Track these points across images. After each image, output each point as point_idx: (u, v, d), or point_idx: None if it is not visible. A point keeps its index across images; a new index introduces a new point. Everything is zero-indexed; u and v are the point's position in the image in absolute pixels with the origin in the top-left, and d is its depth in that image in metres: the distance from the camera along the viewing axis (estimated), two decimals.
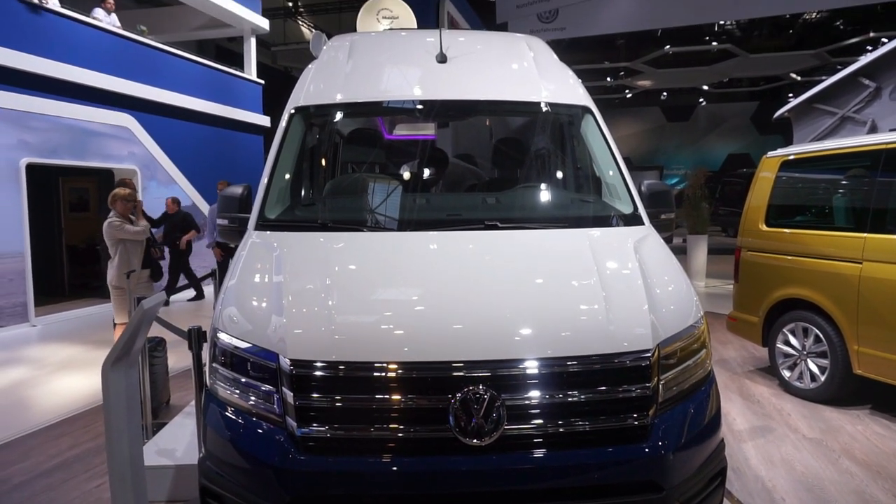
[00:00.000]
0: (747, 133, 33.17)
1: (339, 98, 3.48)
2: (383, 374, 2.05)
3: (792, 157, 5.24)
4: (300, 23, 20.97)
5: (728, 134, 33.96)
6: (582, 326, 2.19)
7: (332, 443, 2.05)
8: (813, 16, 22.14)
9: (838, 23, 22.54)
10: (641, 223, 3.01)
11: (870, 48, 21.81)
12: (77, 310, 9.55)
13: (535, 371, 2.07)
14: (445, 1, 13.86)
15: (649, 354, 2.14)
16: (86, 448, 4.22)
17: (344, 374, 2.07)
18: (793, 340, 5.05)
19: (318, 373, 2.08)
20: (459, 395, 2.01)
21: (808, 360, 4.92)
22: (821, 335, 4.76)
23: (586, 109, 3.54)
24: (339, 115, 3.62)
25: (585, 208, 3.23)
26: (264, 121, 14.16)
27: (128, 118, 10.37)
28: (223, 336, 2.30)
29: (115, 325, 5.65)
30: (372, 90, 3.52)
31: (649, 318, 2.23)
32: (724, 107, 34.77)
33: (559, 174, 3.69)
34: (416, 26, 8.62)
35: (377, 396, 2.05)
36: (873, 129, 4.76)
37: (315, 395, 2.07)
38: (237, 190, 3.20)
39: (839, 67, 24.58)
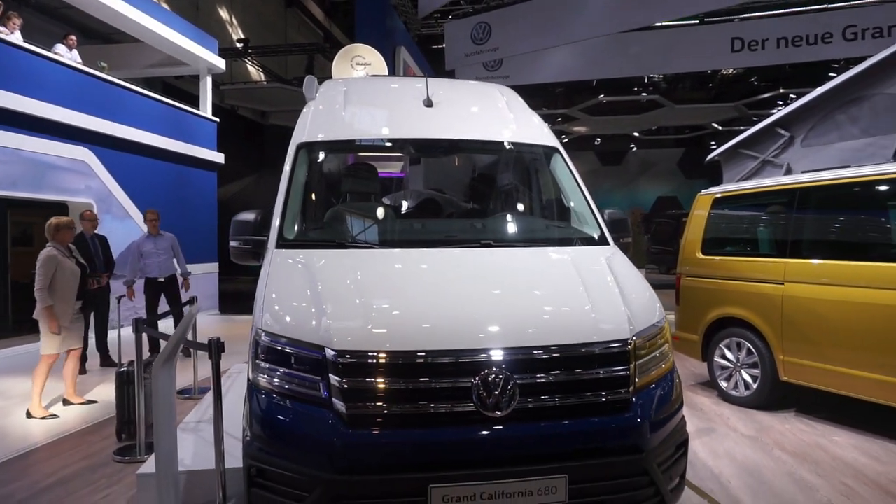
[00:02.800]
0: (675, 177, 35.35)
1: (339, 136, 3.96)
2: (415, 360, 2.48)
3: (721, 195, 6.02)
4: (248, 63, 21.35)
5: (657, 178, 36.08)
6: (576, 320, 2.70)
7: (374, 419, 2.43)
8: (730, 72, 24.29)
9: (753, 79, 24.79)
10: (607, 244, 3.57)
11: (780, 102, 24.13)
12: (24, 345, 9.32)
13: (541, 356, 2.55)
14: (401, 49, 14.62)
15: (628, 343, 2.66)
16: (80, 467, 4.33)
17: (383, 361, 2.48)
18: (728, 354, 5.73)
19: (359, 360, 2.48)
20: (480, 376, 2.45)
21: (742, 371, 5.59)
22: (752, 348, 5.45)
23: (555, 149, 4.13)
24: (339, 151, 4.09)
25: (561, 231, 3.78)
26: (218, 157, 14.32)
27: (85, 152, 10.38)
28: (267, 336, 2.66)
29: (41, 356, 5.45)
30: (369, 129, 4.02)
31: (626, 315, 2.76)
32: (653, 152, 37.00)
33: (536, 203, 4.24)
34: (387, 73, 9.24)
35: (411, 379, 2.47)
36: (788, 171, 5.59)
37: (358, 380, 2.46)
38: (251, 215, 3.58)
39: (755, 119, 26.83)
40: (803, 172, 5.31)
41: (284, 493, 2.48)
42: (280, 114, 23.42)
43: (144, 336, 4.66)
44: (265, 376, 2.63)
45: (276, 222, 3.46)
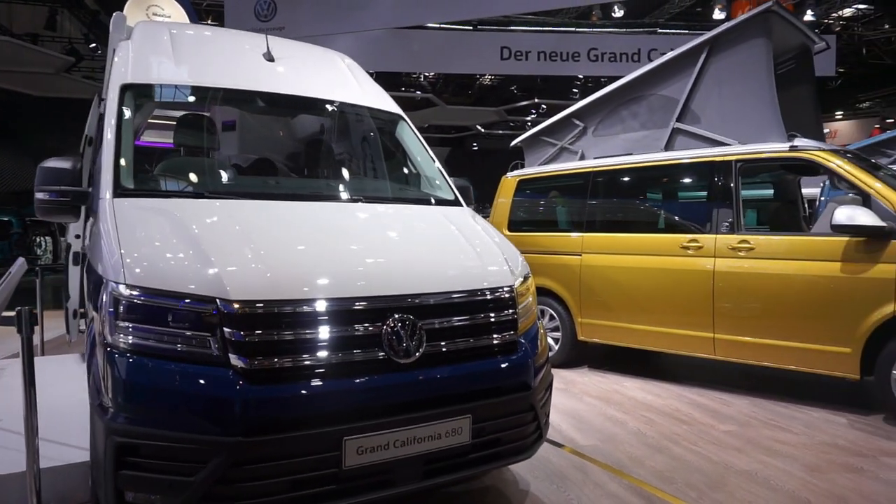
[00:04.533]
0: None
1: (173, 79, 3.52)
2: (322, 308, 2.33)
3: (524, 177, 6.64)
4: None
5: None
6: (470, 268, 2.80)
7: (279, 373, 2.23)
8: (489, 80, 26.63)
9: (512, 87, 27.53)
10: (461, 206, 3.73)
11: (534, 111, 27.17)
12: None
13: (444, 302, 2.59)
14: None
15: (514, 289, 2.83)
16: None
17: (288, 311, 2.28)
18: None
19: (262, 311, 2.25)
20: (390, 322, 2.40)
21: (547, 336, 6.24)
22: (554, 314, 6.12)
23: (401, 117, 4.18)
24: (170, 98, 3.61)
25: (420, 193, 3.81)
26: None
27: None
28: (132, 290, 2.26)
29: None
30: (206, 76, 3.62)
31: (507, 264, 2.93)
32: None
33: (389, 168, 4.22)
34: None
35: (318, 328, 2.31)
36: (582, 157, 6.38)
37: (259, 332, 2.23)
38: (66, 163, 3.03)
39: (512, 124, 29.69)
40: (595, 158, 6.10)
41: (169, 468, 2.13)
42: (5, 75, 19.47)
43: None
44: (131, 337, 2.23)
45: (107, 170, 2.95)
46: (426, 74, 25.67)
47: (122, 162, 3.01)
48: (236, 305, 2.22)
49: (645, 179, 5.87)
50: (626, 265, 5.55)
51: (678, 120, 5.58)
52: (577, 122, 6.40)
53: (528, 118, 27.99)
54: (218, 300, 2.23)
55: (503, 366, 2.69)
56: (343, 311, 2.36)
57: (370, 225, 2.99)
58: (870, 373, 4.32)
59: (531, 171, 6.71)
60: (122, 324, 2.25)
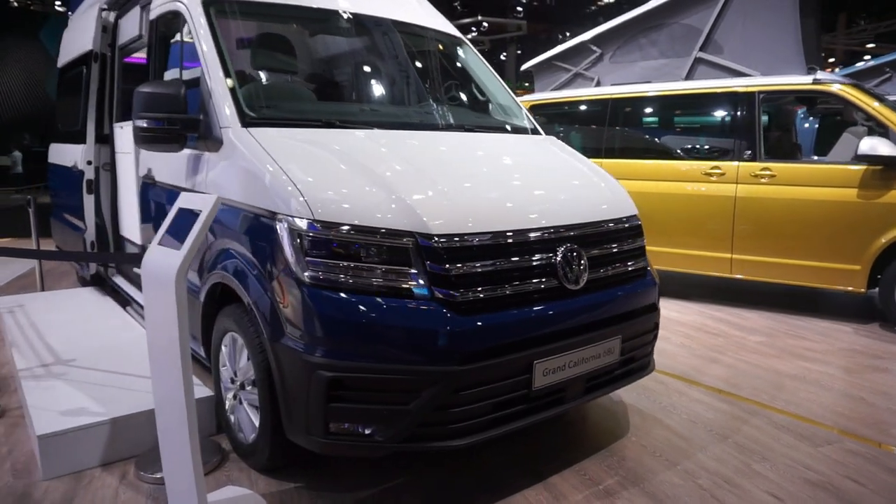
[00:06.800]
0: None
1: None
2: (509, 240, 2.43)
3: (538, 102, 6.69)
4: None
5: None
6: (610, 199, 2.96)
7: (482, 303, 2.32)
8: None
9: (454, 2, 26.70)
10: (541, 134, 3.79)
11: (475, 29, 26.54)
12: None
13: (599, 230, 2.75)
14: None
15: (638, 217, 3.03)
16: None
17: (483, 243, 2.36)
18: None
19: (462, 244, 2.31)
20: (561, 252, 2.53)
21: None
22: None
23: (464, 41, 4.13)
24: (257, 14, 3.41)
25: (514, 121, 3.78)
26: None
27: None
28: (326, 225, 2.24)
29: None
30: None
31: (626, 194, 3.11)
32: None
33: (473, 95, 4.16)
34: None
35: (507, 259, 2.41)
36: (598, 84, 6.49)
37: (462, 265, 2.30)
38: (168, 88, 2.86)
39: None
40: (613, 85, 6.22)
41: (384, 399, 2.22)
42: None
43: None
44: (331, 274, 2.23)
45: (223, 97, 2.80)
46: None
47: (238, 88, 2.87)
48: (437, 239, 2.26)
49: (669, 108, 6.07)
50: (646, 191, 5.82)
51: (700, 49, 5.76)
52: (594, 48, 6.45)
53: (468, 36, 27.39)
54: (416, 234, 2.26)
55: (641, 289, 2.90)
56: (526, 242, 2.47)
57: (506, 156, 3.05)
58: (873, 286, 4.89)
59: (543, 95, 6.75)
60: (314, 260, 2.24)
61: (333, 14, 3.48)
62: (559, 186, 2.89)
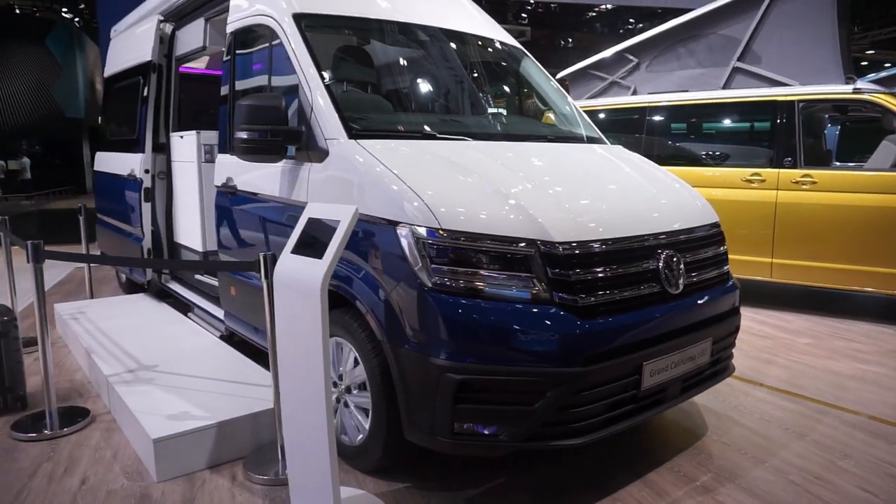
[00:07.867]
0: None
1: (342, 10, 3.43)
2: (621, 247, 2.56)
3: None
4: None
5: None
6: (696, 207, 3.08)
7: (600, 308, 2.42)
8: None
9: None
10: (607, 143, 3.90)
11: None
12: None
13: (691, 237, 2.88)
14: None
15: (719, 223, 3.15)
16: None
17: (600, 250, 2.48)
18: None
19: (581, 251, 2.43)
20: (663, 258, 2.64)
21: None
22: None
23: (525, 52, 4.25)
24: (345, 28, 3.52)
25: (588, 130, 3.88)
26: None
27: None
28: (453, 234, 2.34)
29: None
30: (366, 7, 3.54)
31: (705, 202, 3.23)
32: None
33: (536, 103, 4.29)
34: None
35: (620, 265, 2.54)
36: (635, 92, 6.62)
37: (581, 271, 2.41)
38: (271, 101, 2.95)
39: None
40: (649, 94, 6.36)
41: (510, 399, 2.32)
42: None
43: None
44: (458, 281, 2.33)
45: (327, 110, 2.90)
46: None
47: (340, 101, 2.97)
48: (560, 247, 2.37)
49: (709, 116, 6.20)
50: None
51: (738, 59, 5.90)
52: (631, 57, 6.59)
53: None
54: (538, 241, 2.36)
55: (726, 292, 3.01)
56: (637, 248, 2.60)
57: (597, 165, 3.18)
58: None
59: (580, 104, 6.86)
60: (439, 267, 2.34)
61: (416, 28, 3.59)
62: (655, 195, 3.01)
